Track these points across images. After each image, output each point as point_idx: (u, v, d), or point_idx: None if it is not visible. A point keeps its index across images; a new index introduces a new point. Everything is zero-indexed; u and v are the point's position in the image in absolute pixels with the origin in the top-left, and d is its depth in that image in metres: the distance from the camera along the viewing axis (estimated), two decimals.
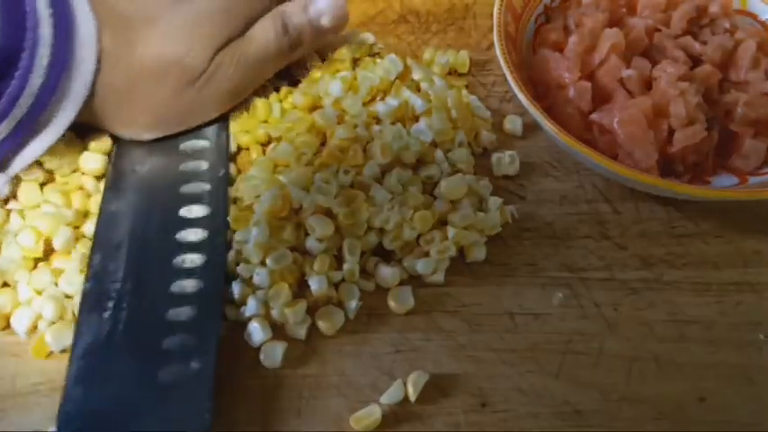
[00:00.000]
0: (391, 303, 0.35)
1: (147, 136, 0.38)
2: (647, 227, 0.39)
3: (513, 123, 0.42)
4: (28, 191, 0.37)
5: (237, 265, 0.35)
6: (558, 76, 0.41)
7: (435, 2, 0.48)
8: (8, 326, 0.34)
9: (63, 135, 0.35)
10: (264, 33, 0.38)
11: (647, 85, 0.40)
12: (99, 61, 0.35)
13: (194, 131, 0.39)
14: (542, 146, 0.42)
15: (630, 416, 0.32)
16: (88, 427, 0.29)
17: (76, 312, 0.33)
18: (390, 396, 0.32)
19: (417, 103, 0.40)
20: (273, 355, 0.33)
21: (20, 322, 0.33)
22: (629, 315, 0.35)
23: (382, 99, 0.41)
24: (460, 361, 0.34)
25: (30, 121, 0.33)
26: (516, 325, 0.35)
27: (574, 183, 0.40)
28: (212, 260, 0.35)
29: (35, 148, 0.34)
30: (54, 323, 0.33)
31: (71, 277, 0.34)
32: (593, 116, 0.39)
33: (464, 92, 0.43)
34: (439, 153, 0.39)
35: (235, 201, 0.37)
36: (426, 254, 0.36)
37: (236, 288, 0.34)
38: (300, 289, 0.35)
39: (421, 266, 0.35)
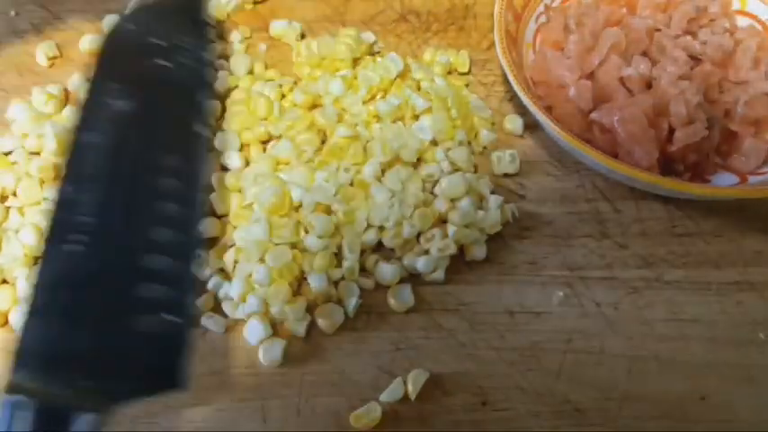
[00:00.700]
0: (391, 301, 0.35)
1: None
2: (647, 226, 0.39)
3: (513, 122, 0.42)
4: (28, 188, 0.37)
5: (237, 262, 0.35)
6: (559, 75, 0.41)
7: (436, 1, 0.48)
8: (7, 323, 0.34)
9: None
10: None
11: (648, 84, 0.40)
12: None
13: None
14: (542, 145, 0.42)
15: (631, 414, 0.32)
16: (47, 368, 0.26)
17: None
18: (390, 394, 0.32)
19: (418, 101, 0.40)
20: (273, 352, 0.33)
21: (19, 319, 0.33)
22: (629, 314, 0.35)
23: (382, 98, 0.41)
24: (461, 359, 0.34)
25: None
26: (517, 323, 0.35)
27: (574, 182, 0.40)
28: (191, 212, 0.33)
29: None
30: None
31: None
32: (594, 115, 0.39)
33: (464, 91, 0.43)
34: (439, 152, 0.39)
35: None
36: (426, 252, 0.36)
37: (235, 286, 0.34)
38: (300, 287, 0.35)
39: (421, 264, 0.35)
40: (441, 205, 0.37)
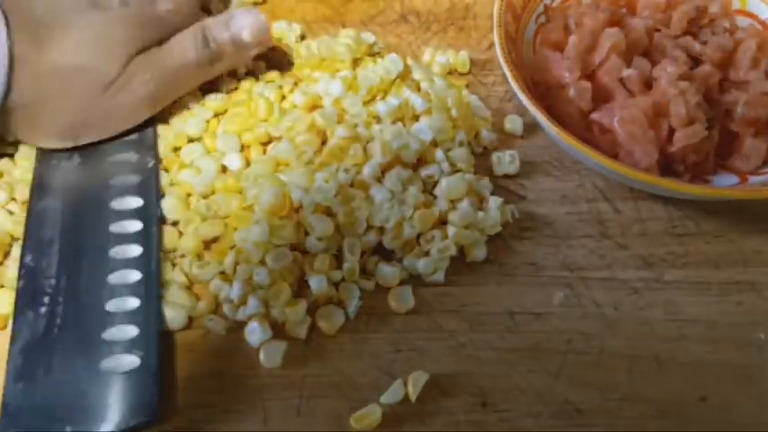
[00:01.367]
0: (391, 303, 0.35)
1: (62, 144, 0.38)
2: (647, 226, 0.39)
3: (513, 123, 0.42)
4: None
5: (237, 264, 0.35)
6: (559, 75, 0.41)
7: (436, 2, 0.48)
8: (6, 326, 0.34)
9: None
10: (184, 45, 0.38)
11: (648, 84, 0.40)
12: (10, 66, 0.34)
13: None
14: (543, 145, 0.42)
15: (631, 415, 0.32)
16: (32, 424, 0.29)
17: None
18: (390, 395, 0.32)
19: (418, 102, 0.40)
20: (273, 354, 0.33)
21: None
22: (629, 314, 0.35)
23: (382, 98, 0.41)
24: (461, 360, 0.34)
25: None
26: (517, 324, 0.35)
27: (574, 182, 0.40)
28: (148, 250, 0.35)
29: None
30: None
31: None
32: (594, 115, 0.39)
33: (464, 91, 0.43)
34: (439, 152, 0.39)
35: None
36: (427, 253, 0.36)
37: (236, 287, 0.34)
38: (300, 288, 0.35)
39: (421, 266, 0.35)
40: (441, 206, 0.37)
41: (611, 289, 0.36)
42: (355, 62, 0.44)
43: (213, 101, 0.41)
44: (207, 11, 0.43)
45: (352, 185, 0.37)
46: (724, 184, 0.39)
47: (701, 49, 0.41)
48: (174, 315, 0.34)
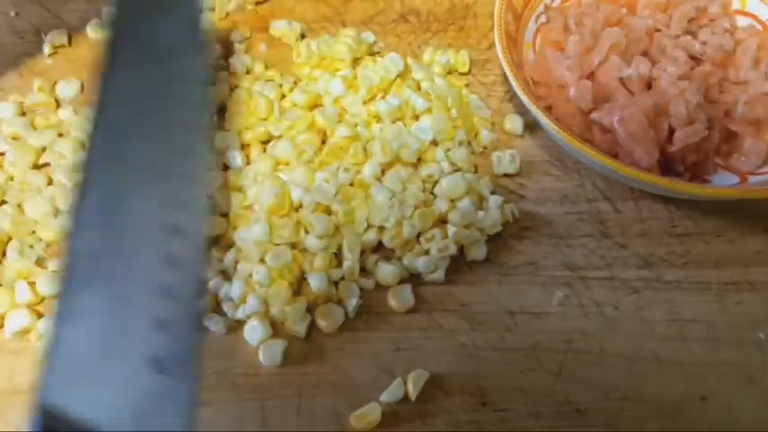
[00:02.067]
0: (391, 302, 0.35)
1: None
2: (647, 226, 0.39)
3: (513, 122, 0.42)
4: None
5: (237, 263, 0.35)
6: (559, 75, 0.41)
7: (436, 2, 0.48)
8: (2, 325, 0.34)
9: None
10: None
11: (648, 84, 0.40)
12: None
13: None
14: (543, 145, 0.42)
15: (631, 415, 0.32)
16: (64, 424, 0.28)
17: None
18: (390, 394, 0.32)
19: (418, 102, 0.40)
20: (273, 353, 0.33)
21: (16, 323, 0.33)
22: (629, 314, 0.35)
23: (383, 98, 0.41)
24: (461, 360, 0.34)
25: None
26: (517, 324, 0.35)
27: (574, 182, 0.40)
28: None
29: None
30: None
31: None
32: (594, 115, 0.39)
33: (464, 91, 0.43)
34: (439, 152, 0.39)
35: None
36: (426, 252, 0.36)
37: (236, 286, 0.34)
38: (300, 287, 0.35)
39: (421, 265, 0.35)
40: (441, 205, 0.37)
41: (611, 289, 0.36)
42: (355, 61, 0.44)
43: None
44: None
45: (352, 185, 0.37)
46: (724, 184, 0.39)
47: (701, 49, 0.41)
48: None
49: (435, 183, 0.38)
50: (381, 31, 0.46)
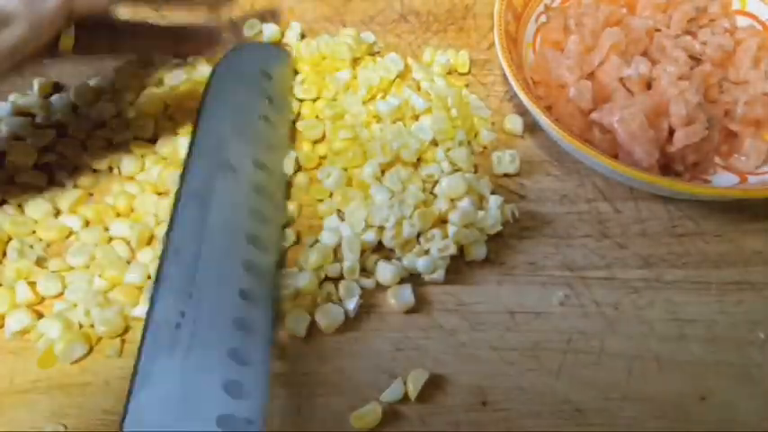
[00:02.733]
0: (391, 301, 0.35)
1: None
2: (647, 226, 0.39)
3: (513, 122, 0.42)
4: None
5: None
6: (559, 75, 0.41)
7: (436, 2, 0.48)
8: (2, 325, 0.34)
9: None
10: None
11: (648, 84, 0.40)
12: None
13: None
14: (542, 145, 0.42)
15: (631, 414, 0.32)
16: (153, 425, 0.28)
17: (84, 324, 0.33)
18: (390, 394, 0.32)
19: (418, 102, 0.40)
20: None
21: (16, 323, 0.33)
22: (629, 314, 0.35)
23: (383, 98, 0.41)
24: (461, 359, 0.34)
25: None
26: (517, 323, 0.35)
27: (574, 182, 0.40)
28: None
29: None
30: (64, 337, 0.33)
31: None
32: (594, 115, 0.39)
33: (464, 91, 0.43)
34: (439, 152, 0.39)
35: None
36: (427, 252, 0.36)
37: None
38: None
39: (421, 264, 0.35)
40: (441, 205, 0.37)
41: (611, 289, 0.36)
42: (355, 61, 0.44)
43: None
44: None
45: (351, 185, 0.37)
46: (724, 184, 0.39)
47: (701, 49, 0.41)
48: None
49: (435, 183, 0.38)
50: (381, 31, 0.46)
